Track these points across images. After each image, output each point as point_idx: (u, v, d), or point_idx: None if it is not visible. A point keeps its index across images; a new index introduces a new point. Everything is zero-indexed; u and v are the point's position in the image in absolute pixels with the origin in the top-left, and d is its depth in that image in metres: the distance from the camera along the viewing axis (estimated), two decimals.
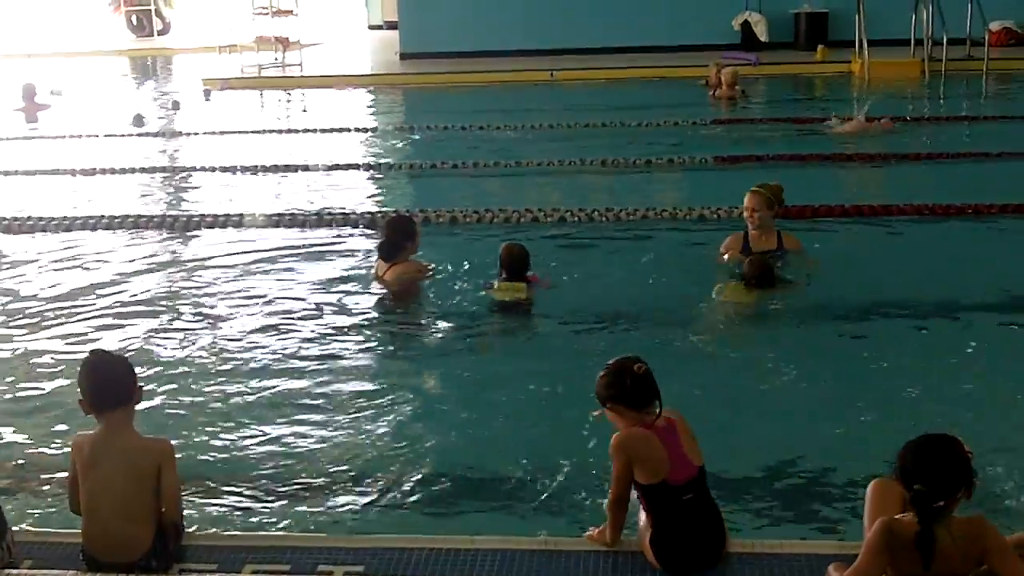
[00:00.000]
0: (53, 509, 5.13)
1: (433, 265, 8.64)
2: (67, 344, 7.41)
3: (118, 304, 8.22)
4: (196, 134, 16.40)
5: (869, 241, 9.45)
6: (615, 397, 4.34)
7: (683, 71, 20.70)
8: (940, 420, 5.31)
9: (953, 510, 3.72)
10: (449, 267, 8.72)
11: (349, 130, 16.34)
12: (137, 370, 4.62)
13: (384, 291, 8.28)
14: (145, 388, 4.76)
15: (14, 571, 4.30)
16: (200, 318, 7.91)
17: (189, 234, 10.31)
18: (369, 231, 9.97)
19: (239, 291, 8.48)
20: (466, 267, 8.73)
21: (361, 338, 7.45)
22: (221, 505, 5.21)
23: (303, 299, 8.25)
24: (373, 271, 8.52)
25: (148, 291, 8.55)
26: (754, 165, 12.31)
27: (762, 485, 5.17)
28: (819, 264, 8.51)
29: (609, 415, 4.40)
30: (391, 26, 29.36)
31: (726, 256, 8.50)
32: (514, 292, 7.87)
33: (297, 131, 16.72)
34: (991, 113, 16.50)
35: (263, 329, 7.61)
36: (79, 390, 4.42)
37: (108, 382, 4.39)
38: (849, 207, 10.16)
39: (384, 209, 10.66)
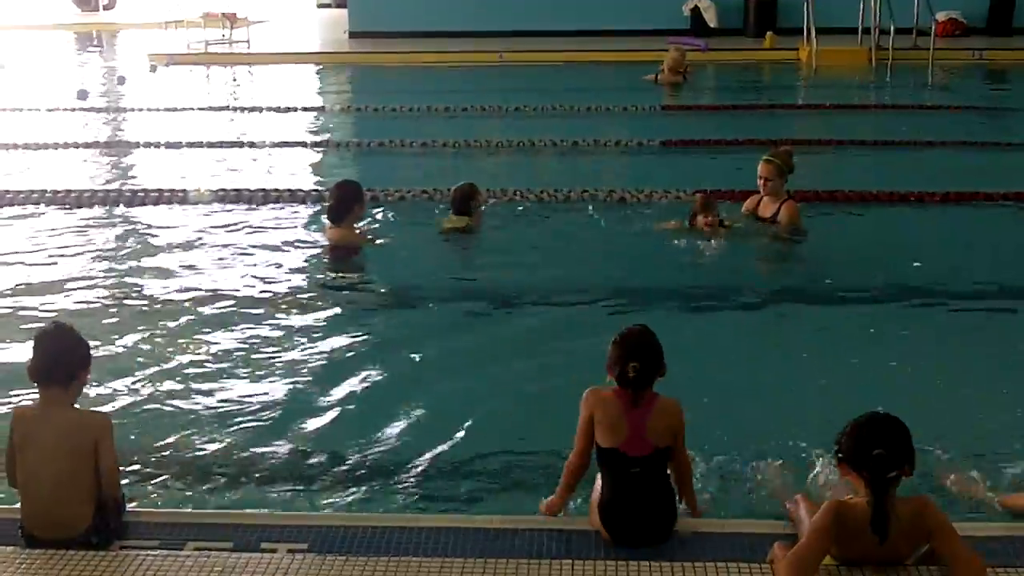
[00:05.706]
0: None
1: (371, 237, 8.91)
2: None
3: (60, 279, 8.08)
4: (141, 109, 16.15)
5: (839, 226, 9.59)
6: (611, 368, 4.39)
7: (632, 55, 20.70)
8: (890, 404, 5.35)
9: (896, 487, 3.78)
10: (395, 236, 8.99)
11: (296, 108, 16.16)
12: None
13: (332, 258, 8.46)
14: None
15: None
16: (144, 294, 7.82)
17: (133, 209, 10.15)
18: (315, 207, 9.91)
19: (182, 267, 8.39)
20: (411, 238, 9.00)
21: (302, 310, 7.45)
22: (163, 481, 5.15)
23: (247, 274, 8.20)
24: (324, 234, 8.69)
25: (90, 267, 8.42)
26: (701, 149, 12.37)
27: (706, 463, 5.17)
28: (804, 236, 8.95)
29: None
30: (340, 4, 29.12)
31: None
32: (456, 223, 9.00)
33: (244, 108, 16.53)
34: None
35: (206, 304, 7.55)
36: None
37: (50, 356, 4.32)
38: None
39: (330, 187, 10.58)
